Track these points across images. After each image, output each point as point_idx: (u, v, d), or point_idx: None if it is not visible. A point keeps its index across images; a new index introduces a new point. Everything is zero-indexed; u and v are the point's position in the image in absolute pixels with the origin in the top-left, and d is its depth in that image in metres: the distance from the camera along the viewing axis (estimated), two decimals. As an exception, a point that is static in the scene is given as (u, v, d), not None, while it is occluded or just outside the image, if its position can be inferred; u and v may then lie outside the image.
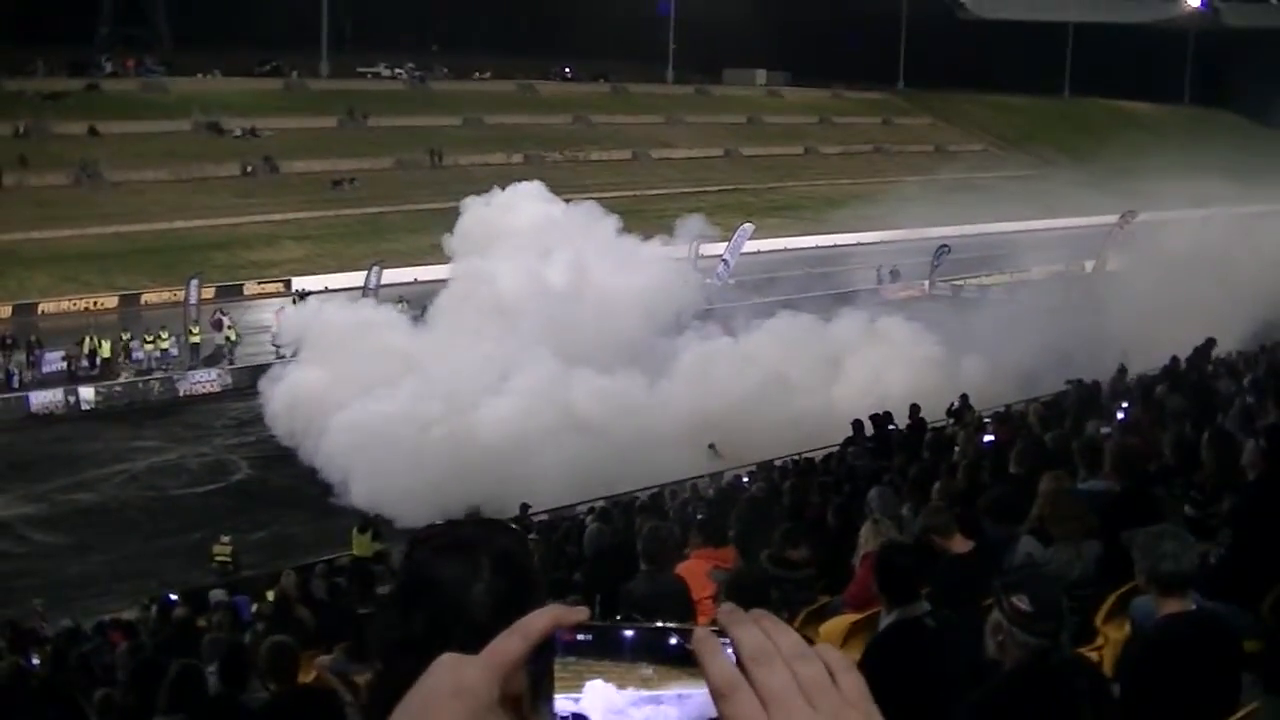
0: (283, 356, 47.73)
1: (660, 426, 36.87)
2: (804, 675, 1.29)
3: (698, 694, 1.33)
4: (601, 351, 39.81)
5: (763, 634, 1.32)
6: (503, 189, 49.97)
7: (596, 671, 1.34)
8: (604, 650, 1.35)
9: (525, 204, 48.81)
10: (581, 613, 1.38)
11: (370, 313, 45.90)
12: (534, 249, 44.51)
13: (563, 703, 1.33)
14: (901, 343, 41.56)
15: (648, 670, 1.34)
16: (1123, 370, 28.55)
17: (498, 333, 41.24)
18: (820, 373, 39.66)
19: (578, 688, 1.33)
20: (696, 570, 11.02)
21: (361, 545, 29.95)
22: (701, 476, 31.52)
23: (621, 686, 1.34)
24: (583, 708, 1.32)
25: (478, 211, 48.38)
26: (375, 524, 31.43)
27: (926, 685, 6.23)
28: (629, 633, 1.36)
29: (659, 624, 1.36)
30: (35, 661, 17.53)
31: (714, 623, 1.35)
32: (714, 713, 1.31)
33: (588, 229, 47.07)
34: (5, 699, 12.22)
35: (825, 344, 41.30)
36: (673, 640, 1.35)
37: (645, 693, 1.33)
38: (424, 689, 1.39)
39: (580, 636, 1.35)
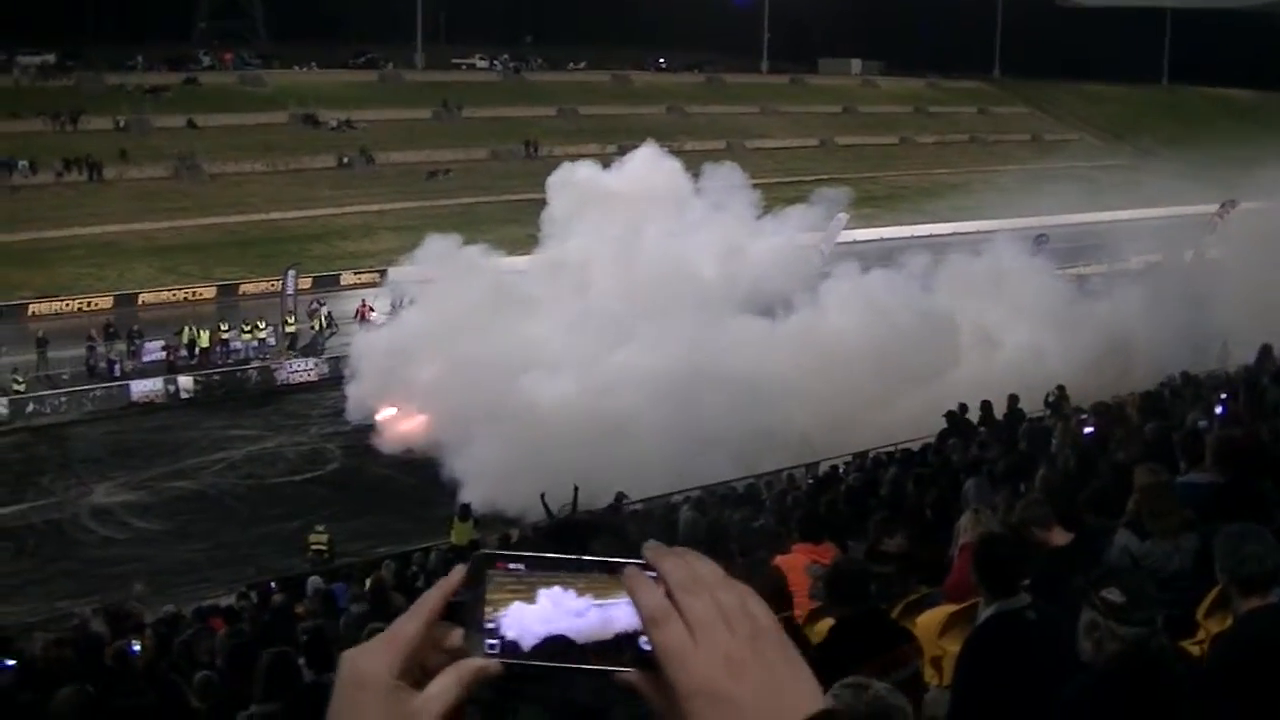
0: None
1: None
2: (725, 602, 1.42)
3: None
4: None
5: (687, 566, 1.45)
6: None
7: (554, 581, 1.45)
8: (551, 567, 1.47)
9: (650, 170, 48.81)
10: (456, 578, 1.49)
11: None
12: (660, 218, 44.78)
13: (516, 611, 1.44)
14: (1001, 331, 41.07)
15: (602, 577, 1.46)
16: (1223, 361, 28.21)
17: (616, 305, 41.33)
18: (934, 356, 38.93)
19: (531, 598, 1.44)
20: (795, 564, 11.03)
21: (461, 533, 29.93)
22: (797, 467, 31.37)
23: (580, 593, 1.45)
24: (529, 618, 1.44)
25: (598, 178, 48.48)
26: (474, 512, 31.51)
27: (1027, 678, 6.20)
28: (558, 558, 1.49)
29: (586, 558, 1.47)
30: (136, 648, 17.74)
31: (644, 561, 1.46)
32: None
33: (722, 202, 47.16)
34: (111, 682, 12.39)
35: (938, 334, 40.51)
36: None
37: (598, 600, 1.45)
38: (335, 686, 1.49)
39: (512, 566, 1.46)
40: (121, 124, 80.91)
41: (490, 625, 1.44)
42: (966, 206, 77.47)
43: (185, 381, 49.72)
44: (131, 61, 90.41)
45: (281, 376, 51.52)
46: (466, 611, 1.46)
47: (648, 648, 1.42)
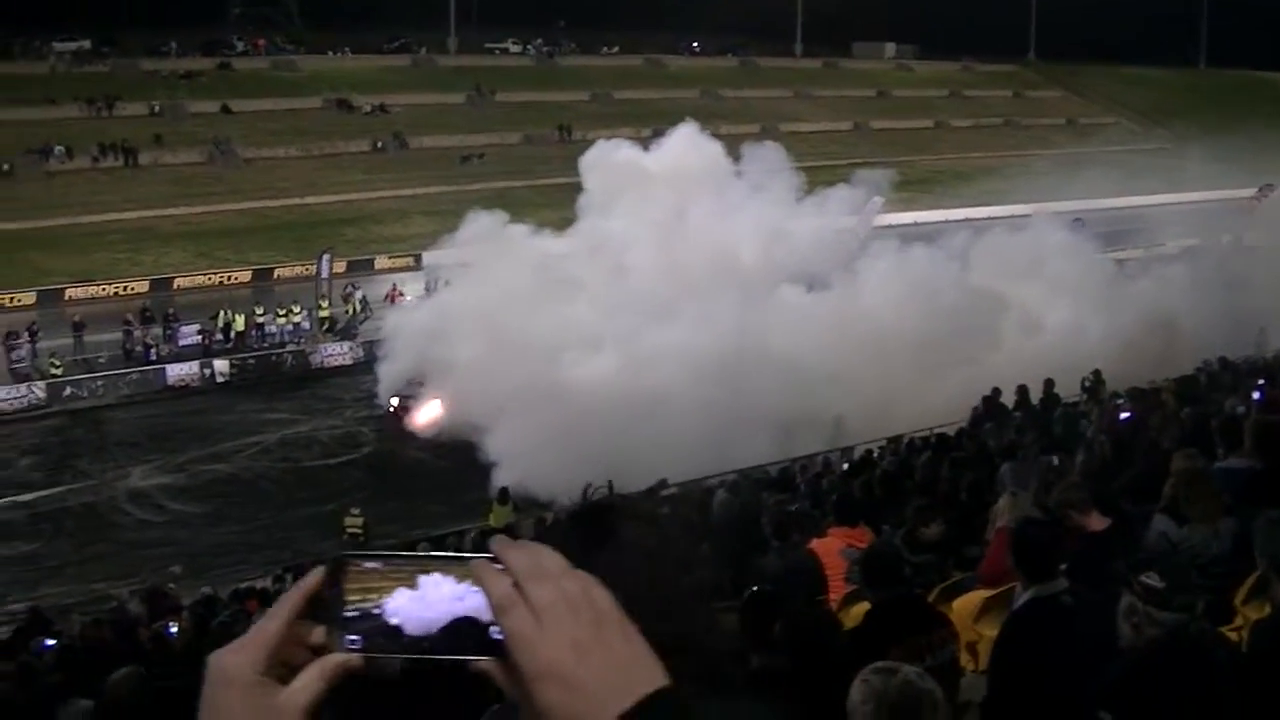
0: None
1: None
2: (568, 590, 1.52)
3: None
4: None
5: (532, 557, 1.54)
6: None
7: (433, 568, 1.55)
8: (405, 564, 1.56)
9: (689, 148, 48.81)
10: (315, 577, 1.58)
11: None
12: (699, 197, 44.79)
13: (400, 597, 1.53)
14: (1042, 311, 40.83)
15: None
16: (1261, 347, 28.06)
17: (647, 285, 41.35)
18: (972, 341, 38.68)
19: (414, 584, 1.53)
20: (830, 548, 11.03)
21: (500, 516, 29.83)
22: (832, 450, 31.30)
23: (460, 579, 1.54)
24: (412, 603, 1.53)
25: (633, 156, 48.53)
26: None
27: (1065, 663, 6.19)
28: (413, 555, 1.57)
29: (438, 553, 1.56)
30: (174, 629, 17.87)
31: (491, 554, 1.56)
32: None
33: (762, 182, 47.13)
34: (150, 663, 12.49)
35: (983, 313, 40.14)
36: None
37: (476, 587, 1.53)
38: (205, 685, 1.57)
39: (368, 565, 1.55)
40: (156, 109, 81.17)
41: (350, 616, 1.53)
42: (1001, 190, 77.06)
43: (221, 365, 49.94)
44: (166, 47, 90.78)
45: (316, 360, 51.69)
46: (327, 610, 1.55)
47: (499, 636, 1.50)
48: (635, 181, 45.78)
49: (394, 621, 1.52)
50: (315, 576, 1.58)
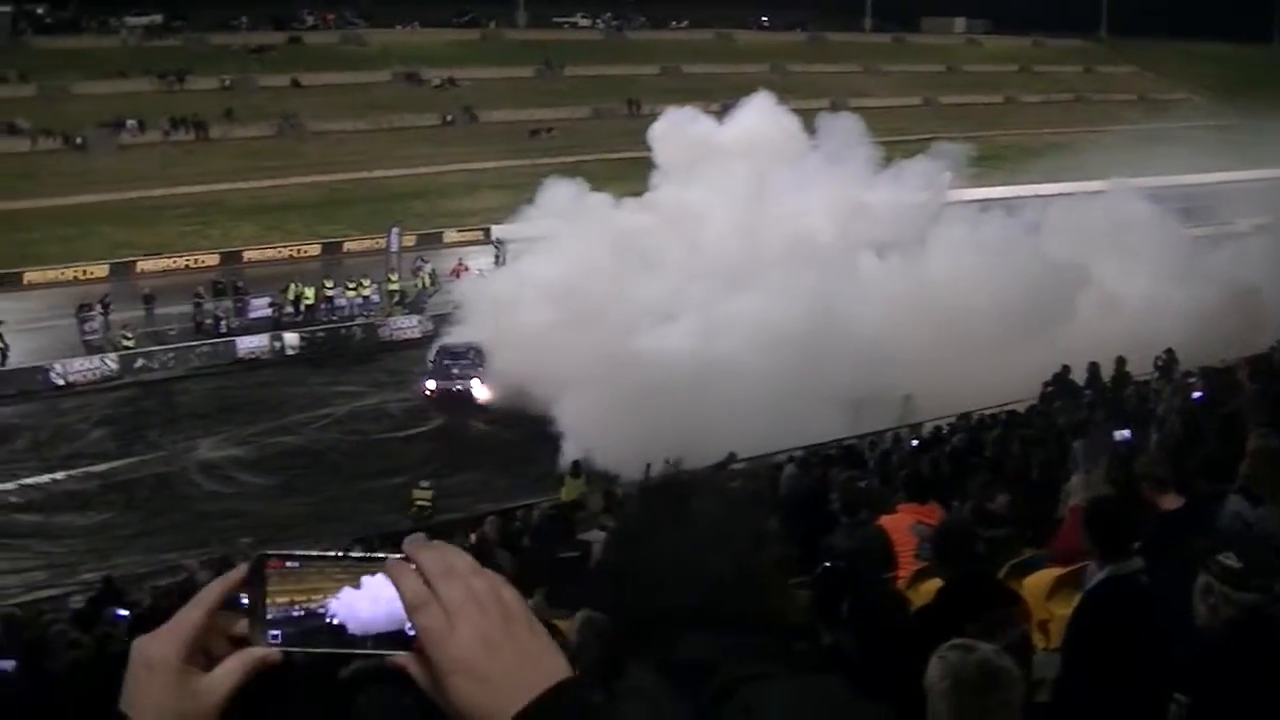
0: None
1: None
2: (477, 588, 1.60)
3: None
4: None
5: (442, 556, 1.62)
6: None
7: (354, 568, 1.63)
8: (323, 563, 1.65)
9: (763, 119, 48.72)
10: (237, 573, 1.67)
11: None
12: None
13: (346, 596, 1.61)
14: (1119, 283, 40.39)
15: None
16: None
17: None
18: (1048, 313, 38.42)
19: (357, 584, 1.61)
20: (899, 524, 10.96)
21: (572, 490, 29.68)
22: (901, 427, 31.15)
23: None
24: (356, 602, 1.61)
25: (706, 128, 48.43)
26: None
27: (1140, 642, 6.12)
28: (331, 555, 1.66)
29: (353, 555, 1.65)
30: (245, 601, 17.96)
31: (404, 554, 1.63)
32: None
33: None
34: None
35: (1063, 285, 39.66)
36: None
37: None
38: (128, 670, 1.67)
39: (289, 564, 1.63)
40: (227, 83, 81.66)
41: (272, 616, 1.61)
42: (1072, 166, 76.29)
43: (290, 338, 50.26)
44: (236, 21, 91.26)
45: (385, 333, 51.94)
46: (250, 605, 1.64)
47: (412, 632, 1.58)
48: (709, 152, 45.65)
49: (335, 620, 1.60)
50: (238, 572, 1.68)
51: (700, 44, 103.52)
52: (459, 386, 42.38)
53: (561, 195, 45.05)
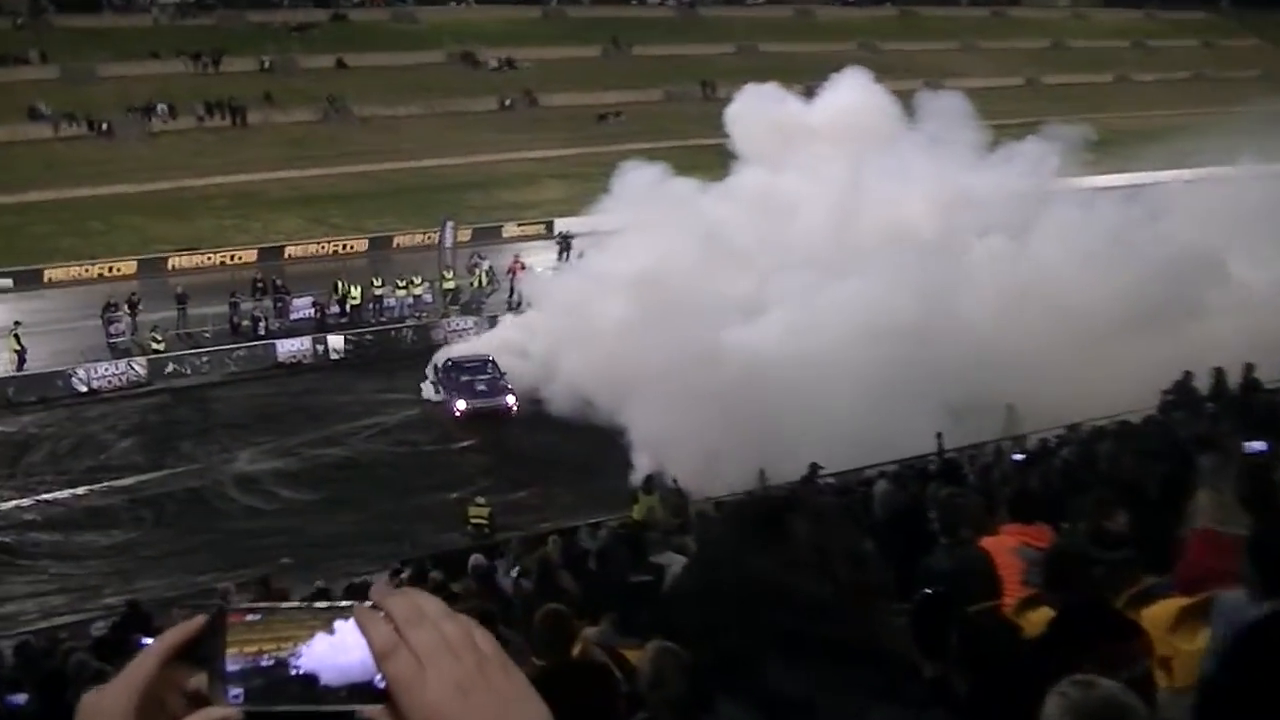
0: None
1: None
2: (449, 633, 1.62)
3: None
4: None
5: (411, 602, 1.65)
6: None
7: (320, 617, 1.64)
8: (286, 615, 1.66)
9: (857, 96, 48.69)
10: (194, 624, 1.70)
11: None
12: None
13: (319, 643, 1.62)
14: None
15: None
16: None
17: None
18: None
19: (330, 630, 1.63)
20: (1003, 546, 10.82)
21: (643, 507, 29.50)
22: (1004, 439, 30.87)
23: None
24: (327, 651, 1.62)
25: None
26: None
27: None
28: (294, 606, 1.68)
29: (320, 604, 1.66)
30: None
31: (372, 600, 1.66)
32: None
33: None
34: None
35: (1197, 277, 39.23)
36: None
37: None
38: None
39: (249, 617, 1.64)
40: (266, 65, 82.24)
41: (235, 669, 1.61)
42: (1191, 150, 75.67)
43: (335, 341, 50.31)
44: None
45: (439, 336, 51.67)
46: (208, 660, 1.63)
47: (382, 685, 1.60)
48: (796, 134, 45.53)
49: (307, 670, 1.61)
50: (193, 624, 1.71)
51: (778, 21, 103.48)
52: (497, 405, 42.59)
53: (641, 181, 44.89)
